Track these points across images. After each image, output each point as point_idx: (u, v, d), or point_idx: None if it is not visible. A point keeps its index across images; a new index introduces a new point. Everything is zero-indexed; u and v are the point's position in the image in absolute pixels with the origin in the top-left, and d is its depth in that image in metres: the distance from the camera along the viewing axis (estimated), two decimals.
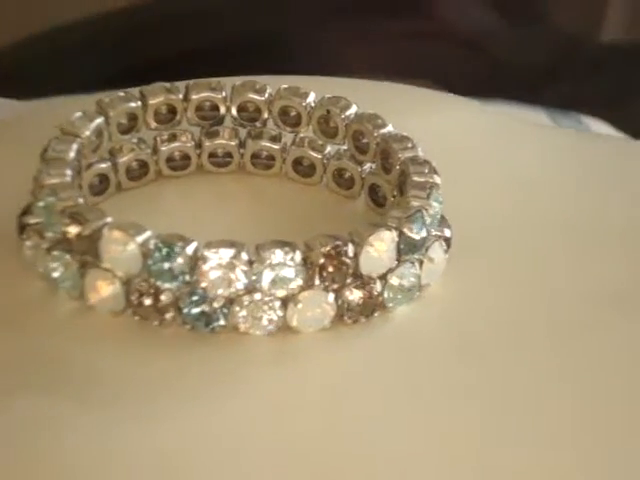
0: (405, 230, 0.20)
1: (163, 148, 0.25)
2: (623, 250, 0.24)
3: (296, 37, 0.47)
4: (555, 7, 0.48)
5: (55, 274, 0.21)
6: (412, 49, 0.47)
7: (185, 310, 0.20)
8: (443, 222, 0.22)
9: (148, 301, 0.20)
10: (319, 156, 0.25)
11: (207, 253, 0.19)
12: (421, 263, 0.21)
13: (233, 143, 0.25)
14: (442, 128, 0.28)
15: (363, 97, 0.25)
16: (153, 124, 0.24)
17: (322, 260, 0.20)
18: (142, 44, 0.49)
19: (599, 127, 0.40)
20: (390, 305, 0.21)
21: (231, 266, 0.19)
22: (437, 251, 0.21)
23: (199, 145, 0.25)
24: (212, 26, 0.48)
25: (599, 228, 0.25)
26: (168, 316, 0.20)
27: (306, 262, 0.19)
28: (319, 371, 0.20)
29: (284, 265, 0.19)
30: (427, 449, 0.19)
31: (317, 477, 0.18)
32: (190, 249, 0.19)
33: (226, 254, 0.19)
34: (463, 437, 0.19)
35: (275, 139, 0.25)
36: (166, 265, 0.19)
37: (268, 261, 0.19)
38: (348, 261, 0.20)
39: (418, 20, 0.47)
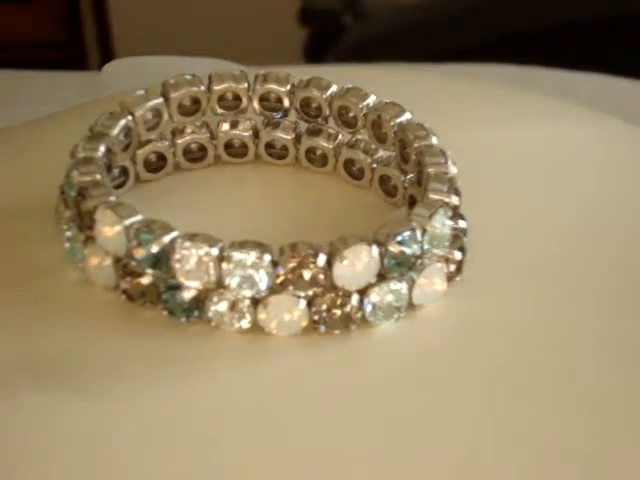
0: (391, 247, 0.20)
1: (221, 134, 0.25)
2: None
3: None
4: None
5: (67, 244, 0.22)
6: None
7: (163, 296, 0.20)
8: (456, 243, 0.21)
9: (132, 282, 0.20)
10: (368, 160, 0.24)
11: (180, 245, 0.20)
12: (413, 282, 0.20)
13: (289, 137, 0.25)
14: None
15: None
16: (219, 110, 0.25)
17: (291, 265, 0.19)
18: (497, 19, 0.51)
19: None
20: (371, 320, 0.20)
21: (201, 261, 0.20)
22: (434, 272, 0.21)
23: (256, 135, 0.25)
24: None
25: None
26: (149, 299, 0.20)
27: (276, 266, 0.19)
28: (280, 374, 0.20)
29: (253, 266, 0.19)
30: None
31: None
32: (168, 238, 0.20)
33: (198, 248, 0.19)
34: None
35: (330, 138, 0.25)
36: (144, 250, 0.20)
37: (237, 260, 0.19)
38: (319, 270, 0.20)
39: None
